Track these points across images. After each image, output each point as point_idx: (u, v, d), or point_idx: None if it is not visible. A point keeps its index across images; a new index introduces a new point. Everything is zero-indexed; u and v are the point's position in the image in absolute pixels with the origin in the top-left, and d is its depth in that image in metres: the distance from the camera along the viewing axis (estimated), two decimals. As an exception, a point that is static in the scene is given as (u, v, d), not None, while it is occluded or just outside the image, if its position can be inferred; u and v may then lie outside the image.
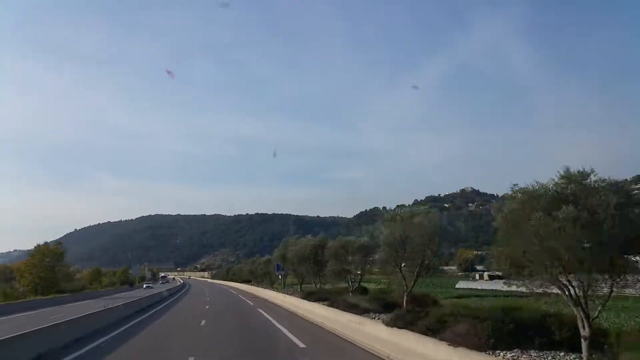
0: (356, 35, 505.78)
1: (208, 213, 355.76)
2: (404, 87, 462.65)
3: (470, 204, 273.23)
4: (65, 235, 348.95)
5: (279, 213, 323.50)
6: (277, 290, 38.99)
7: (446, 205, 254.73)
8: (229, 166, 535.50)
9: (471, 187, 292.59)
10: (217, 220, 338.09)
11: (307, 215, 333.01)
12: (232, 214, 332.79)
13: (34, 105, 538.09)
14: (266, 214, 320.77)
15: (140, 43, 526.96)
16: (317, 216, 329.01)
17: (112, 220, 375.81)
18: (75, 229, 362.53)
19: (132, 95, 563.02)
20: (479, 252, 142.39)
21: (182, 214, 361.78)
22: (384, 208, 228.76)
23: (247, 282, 65.56)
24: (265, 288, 44.83)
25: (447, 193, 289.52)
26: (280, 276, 40.47)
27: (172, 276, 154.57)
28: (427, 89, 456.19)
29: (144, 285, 78.35)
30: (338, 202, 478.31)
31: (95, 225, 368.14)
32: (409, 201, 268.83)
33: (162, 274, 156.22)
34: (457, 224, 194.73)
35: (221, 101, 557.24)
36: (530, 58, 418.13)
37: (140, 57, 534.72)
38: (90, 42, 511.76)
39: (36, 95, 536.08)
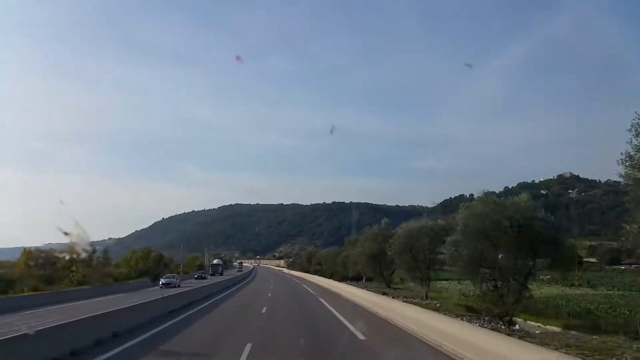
0: (432, 18, 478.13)
1: (285, 202, 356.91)
2: (484, 69, 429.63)
3: (571, 191, 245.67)
4: (153, 224, 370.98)
5: (356, 202, 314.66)
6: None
7: (543, 192, 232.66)
8: (304, 156, 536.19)
9: (570, 172, 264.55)
10: (294, 209, 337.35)
11: (385, 205, 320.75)
12: (309, 203, 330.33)
13: (125, 102, 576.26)
14: (343, 202, 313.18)
15: (218, 40, 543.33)
16: (396, 205, 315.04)
17: (196, 210, 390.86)
18: (163, 218, 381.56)
19: (214, 90, 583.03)
20: (592, 243, 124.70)
21: (260, 203, 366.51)
22: (471, 195, 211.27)
23: (355, 280, 45.40)
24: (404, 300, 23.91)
25: (542, 179, 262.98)
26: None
27: (237, 263, 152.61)
28: (512, 69, 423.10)
29: (160, 284, 44.12)
30: (417, 192, 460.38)
31: (180, 214, 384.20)
32: (497, 189, 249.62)
33: (238, 262, 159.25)
34: (558, 213, 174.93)
35: (297, 93, 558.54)
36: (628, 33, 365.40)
37: (219, 53, 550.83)
38: (173, 41, 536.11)
39: (127, 93, 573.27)
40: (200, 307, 24.33)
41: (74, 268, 42.35)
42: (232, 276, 65.79)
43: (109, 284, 45.09)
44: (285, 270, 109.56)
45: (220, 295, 33.64)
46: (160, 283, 42.97)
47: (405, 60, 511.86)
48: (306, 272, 74.09)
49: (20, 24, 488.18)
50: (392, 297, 23.54)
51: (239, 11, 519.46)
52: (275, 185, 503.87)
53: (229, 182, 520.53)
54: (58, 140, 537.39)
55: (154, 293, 30.34)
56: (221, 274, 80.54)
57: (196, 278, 62.76)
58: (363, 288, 30.59)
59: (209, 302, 27.69)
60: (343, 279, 45.98)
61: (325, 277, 50.98)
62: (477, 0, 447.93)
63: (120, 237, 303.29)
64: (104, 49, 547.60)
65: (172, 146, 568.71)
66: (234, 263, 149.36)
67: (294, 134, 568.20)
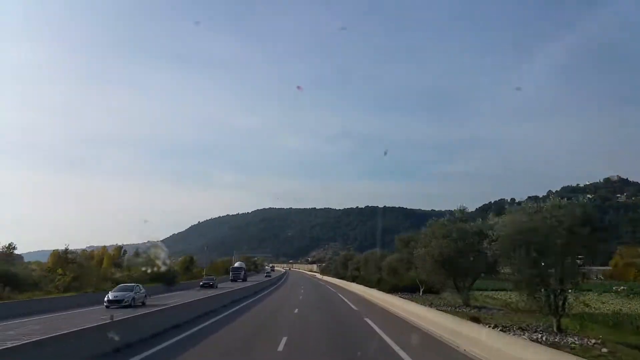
0: (471, 18, 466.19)
1: (318, 207, 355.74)
2: (523, 70, 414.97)
3: (619, 195, 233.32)
4: (189, 228, 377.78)
5: (390, 206, 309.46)
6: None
7: (589, 196, 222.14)
8: (336, 160, 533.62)
9: (618, 176, 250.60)
10: (327, 213, 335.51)
11: (420, 209, 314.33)
12: (341, 207, 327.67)
13: (163, 108, 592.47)
14: (377, 207, 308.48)
15: (250, 46, 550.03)
16: (432, 210, 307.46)
17: (230, 213, 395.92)
18: (199, 222, 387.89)
19: (247, 96, 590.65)
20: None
21: (293, 207, 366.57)
22: (512, 200, 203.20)
23: (409, 291, 35.31)
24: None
25: (587, 183, 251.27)
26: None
27: (269, 267, 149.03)
28: (553, 70, 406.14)
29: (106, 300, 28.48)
30: (453, 196, 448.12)
31: (215, 217, 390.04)
32: (540, 192, 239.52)
33: (269, 265, 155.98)
34: (607, 217, 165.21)
35: (329, 97, 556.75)
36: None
37: (252, 59, 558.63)
38: (209, 48, 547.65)
39: (165, 99, 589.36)
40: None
41: (59, 270, 37.53)
42: (257, 282, 56.24)
43: (103, 289, 35.24)
44: (318, 276, 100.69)
45: (217, 317, 20.76)
46: (106, 299, 27.28)
47: (440, 61, 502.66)
48: (342, 278, 64.30)
49: (64, 29, 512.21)
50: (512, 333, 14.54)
51: (270, 17, 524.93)
52: (308, 190, 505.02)
53: (263, 186, 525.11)
54: (99, 145, 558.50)
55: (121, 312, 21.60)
56: (244, 280, 70.69)
57: (202, 286, 51.31)
58: (427, 305, 22.26)
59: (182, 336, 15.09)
60: (393, 289, 35.95)
61: (366, 285, 40.83)
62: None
63: (159, 239, 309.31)
64: (144, 55, 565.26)
65: (208, 151, 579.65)
66: (266, 267, 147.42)
67: (324, 138, 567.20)
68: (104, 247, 72.14)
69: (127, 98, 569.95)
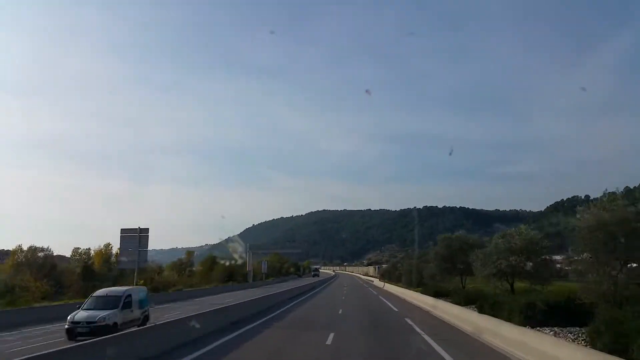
0: (525, 12, 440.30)
1: (373, 208, 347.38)
2: (585, 67, 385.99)
3: None
4: (244, 230, 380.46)
5: (450, 206, 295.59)
6: None
7: None
8: (391, 162, 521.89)
9: None
10: (383, 215, 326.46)
11: (482, 209, 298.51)
12: (398, 209, 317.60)
13: (217, 114, 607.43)
14: (436, 207, 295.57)
15: (305, 52, 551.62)
16: (496, 210, 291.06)
17: (284, 216, 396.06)
18: (253, 224, 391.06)
19: (301, 101, 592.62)
20: None
21: (347, 209, 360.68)
22: (587, 196, 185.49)
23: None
24: None
25: None
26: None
27: (316, 269, 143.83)
28: (618, 64, 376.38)
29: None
30: (517, 196, 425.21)
31: (270, 220, 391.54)
32: (618, 188, 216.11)
33: (315, 267, 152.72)
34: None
35: (383, 98, 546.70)
36: None
37: (305, 63, 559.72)
38: (263, 53, 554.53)
39: (219, 104, 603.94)
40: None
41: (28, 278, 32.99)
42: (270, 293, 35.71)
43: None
44: (377, 283, 63.83)
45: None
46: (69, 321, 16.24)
47: (499, 60, 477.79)
48: (436, 295, 28.37)
49: (121, 44, 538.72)
50: None
51: (325, 20, 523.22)
52: (363, 191, 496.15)
53: (317, 188, 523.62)
54: (156, 152, 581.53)
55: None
56: (318, 276, 77.68)
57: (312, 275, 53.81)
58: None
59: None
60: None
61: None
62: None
63: (215, 243, 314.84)
64: (199, 63, 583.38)
65: (261, 154, 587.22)
66: (317, 269, 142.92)
67: (380, 140, 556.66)
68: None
69: (182, 105, 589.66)
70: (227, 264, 58.91)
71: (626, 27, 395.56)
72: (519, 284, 23.05)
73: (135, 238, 29.69)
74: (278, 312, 25.91)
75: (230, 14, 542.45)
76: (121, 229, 30.56)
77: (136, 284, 28.66)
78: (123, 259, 31.50)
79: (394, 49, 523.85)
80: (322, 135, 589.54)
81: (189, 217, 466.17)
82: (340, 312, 25.57)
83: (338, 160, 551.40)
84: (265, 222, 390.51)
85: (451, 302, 24.19)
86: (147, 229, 30.28)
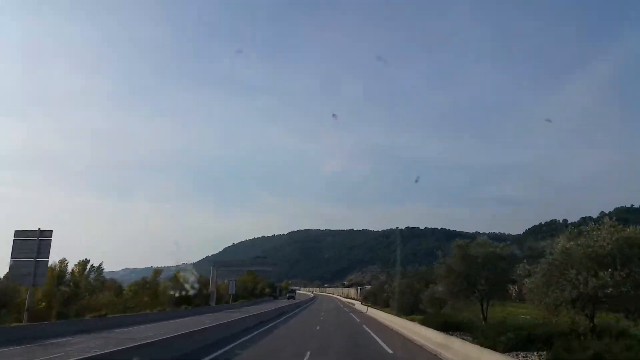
0: (506, 41, 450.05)
1: (356, 228, 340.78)
2: (563, 91, 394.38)
3: None
4: (223, 249, 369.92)
5: (432, 227, 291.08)
6: None
7: None
8: (376, 183, 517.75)
9: None
10: (365, 235, 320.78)
11: (463, 231, 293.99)
12: (381, 229, 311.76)
13: (201, 131, 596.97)
14: (417, 228, 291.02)
15: (294, 73, 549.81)
16: (476, 232, 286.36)
17: (266, 235, 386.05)
18: (233, 243, 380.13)
19: (286, 120, 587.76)
20: None
21: (330, 228, 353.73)
22: (565, 221, 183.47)
23: None
24: None
25: None
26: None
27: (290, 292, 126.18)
28: (595, 88, 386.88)
29: None
30: (497, 219, 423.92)
31: (250, 239, 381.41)
32: (593, 214, 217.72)
33: (292, 288, 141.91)
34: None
35: (368, 118, 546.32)
36: None
37: (295, 83, 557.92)
38: (253, 76, 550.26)
39: (203, 122, 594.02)
40: None
41: None
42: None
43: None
44: (360, 307, 56.70)
45: None
46: None
47: (482, 85, 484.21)
48: (446, 328, 20.77)
49: (107, 59, 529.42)
50: None
51: (314, 41, 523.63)
52: (346, 211, 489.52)
53: (300, 207, 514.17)
54: (136, 169, 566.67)
55: None
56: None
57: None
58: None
59: None
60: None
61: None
62: (556, 20, 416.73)
63: (194, 261, 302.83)
64: (183, 81, 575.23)
65: (244, 172, 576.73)
66: (293, 290, 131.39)
67: (366, 160, 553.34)
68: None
69: (167, 123, 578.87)
70: (176, 294, 47.20)
71: (599, 57, 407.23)
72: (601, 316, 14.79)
73: (32, 244, 21.59)
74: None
75: (213, 30, 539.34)
76: (15, 231, 22.47)
77: (27, 307, 20.28)
78: (17, 271, 23.00)
79: (377, 70, 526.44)
80: (307, 155, 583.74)
81: (167, 235, 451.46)
82: (306, 358, 15.46)
83: (323, 179, 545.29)
84: (246, 241, 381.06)
85: (472, 340, 15.74)
86: (50, 231, 22.37)
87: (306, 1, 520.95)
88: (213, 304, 59.49)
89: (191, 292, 67.79)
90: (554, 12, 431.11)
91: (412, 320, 26.06)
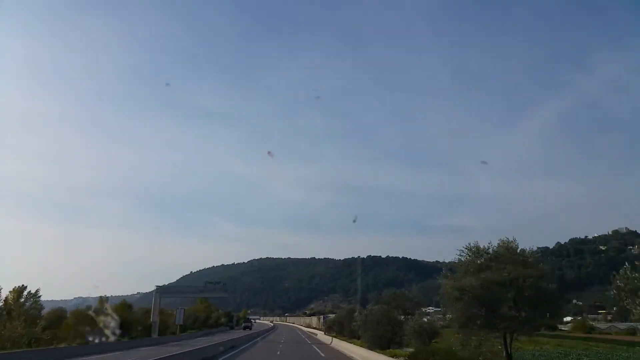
0: (464, 78, 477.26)
1: (317, 256, 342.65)
2: (517, 129, 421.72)
3: (631, 247, 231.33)
4: (181, 278, 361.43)
5: (393, 256, 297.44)
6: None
7: (602, 247, 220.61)
8: (337, 212, 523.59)
9: (626, 228, 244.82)
10: (327, 263, 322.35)
11: (424, 260, 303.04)
12: (342, 258, 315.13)
13: (157, 158, 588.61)
14: (379, 257, 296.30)
15: (253, 99, 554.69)
16: (436, 261, 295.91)
17: (225, 263, 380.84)
18: (191, 272, 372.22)
19: (247, 148, 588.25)
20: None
21: (292, 257, 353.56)
22: (522, 251, 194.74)
23: None
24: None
25: (595, 235, 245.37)
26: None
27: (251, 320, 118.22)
28: (547, 129, 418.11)
29: None
30: (459, 247, 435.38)
31: (209, 267, 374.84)
32: (549, 244, 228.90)
33: (249, 317, 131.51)
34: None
35: (328, 151, 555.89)
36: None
37: (255, 112, 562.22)
38: (210, 100, 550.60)
39: (165, 150, 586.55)
40: None
41: None
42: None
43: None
44: (323, 338, 54.27)
45: None
46: None
47: (438, 119, 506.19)
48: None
49: (58, 80, 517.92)
50: None
51: (273, 72, 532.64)
52: (308, 240, 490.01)
53: (261, 235, 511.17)
54: (88, 195, 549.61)
55: None
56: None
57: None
58: None
59: None
60: None
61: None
62: (508, 61, 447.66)
63: (148, 291, 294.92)
64: (140, 107, 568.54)
65: (203, 200, 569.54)
66: (249, 319, 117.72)
67: (328, 190, 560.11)
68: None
69: (116, 148, 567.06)
70: (95, 340, 38.07)
71: (554, 95, 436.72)
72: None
73: None
74: None
75: (173, 56, 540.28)
76: None
77: None
78: None
79: (341, 103, 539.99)
80: (268, 183, 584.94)
81: (122, 263, 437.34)
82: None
83: (284, 208, 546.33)
84: (205, 269, 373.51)
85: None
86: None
87: (269, 31, 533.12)
88: (155, 335, 53.47)
89: (112, 339, 66.00)
90: (509, 53, 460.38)
91: (394, 357, 22.67)
